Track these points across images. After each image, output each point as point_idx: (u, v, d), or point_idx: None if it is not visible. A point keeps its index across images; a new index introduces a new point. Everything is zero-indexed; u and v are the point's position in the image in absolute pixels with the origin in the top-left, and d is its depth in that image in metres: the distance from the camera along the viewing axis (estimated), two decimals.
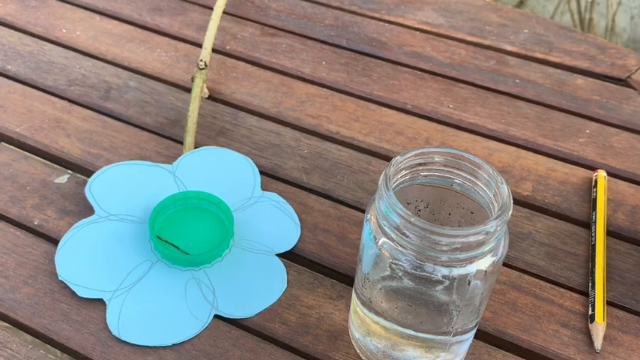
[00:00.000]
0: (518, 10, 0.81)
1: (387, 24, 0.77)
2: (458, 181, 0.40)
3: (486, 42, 0.75)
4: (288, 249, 0.52)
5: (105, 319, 0.47)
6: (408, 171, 0.40)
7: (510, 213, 0.37)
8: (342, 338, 0.47)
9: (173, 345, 0.46)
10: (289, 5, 0.80)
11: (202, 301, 0.48)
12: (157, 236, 0.50)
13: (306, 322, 0.48)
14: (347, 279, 0.51)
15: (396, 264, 0.38)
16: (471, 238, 0.36)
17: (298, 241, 0.53)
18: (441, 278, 0.37)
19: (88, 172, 0.57)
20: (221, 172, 0.57)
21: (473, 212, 0.41)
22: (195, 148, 0.59)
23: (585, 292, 0.50)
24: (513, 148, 0.62)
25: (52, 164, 0.59)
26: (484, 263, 0.37)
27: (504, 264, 0.52)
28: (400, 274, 0.38)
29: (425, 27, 0.77)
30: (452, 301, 0.39)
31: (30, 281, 0.49)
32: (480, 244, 0.36)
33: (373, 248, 0.39)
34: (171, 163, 0.57)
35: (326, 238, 0.53)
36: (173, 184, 0.55)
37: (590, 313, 0.48)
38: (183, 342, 0.46)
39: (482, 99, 0.67)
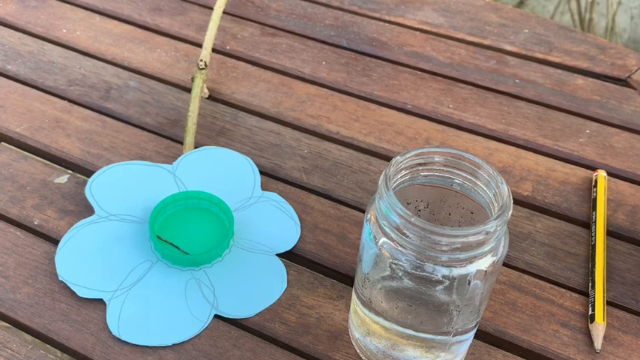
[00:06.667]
0: (518, 10, 0.81)
1: (387, 24, 0.77)
2: (458, 181, 0.40)
3: (486, 42, 0.75)
4: (288, 249, 0.52)
5: (105, 319, 0.47)
6: (408, 171, 0.40)
7: (510, 213, 0.37)
8: (342, 338, 0.47)
9: (173, 345, 0.46)
10: (289, 5, 0.80)
11: (202, 301, 0.48)
12: (157, 236, 0.50)
13: (306, 322, 0.48)
14: (347, 279, 0.51)
15: (396, 264, 0.38)
16: (471, 238, 0.36)
17: (298, 241, 0.53)
18: (441, 278, 0.37)
19: (88, 172, 0.57)
20: (221, 172, 0.57)
21: (473, 212, 0.41)
22: (195, 148, 0.59)
23: (585, 292, 0.50)
24: (513, 148, 0.62)
25: (52, 164, 0.59)
26: (484, 263, 0.37)
27: (504, 264, 0.52)
28: (400, 274, 0.38)
29: (425, 27, 0.77)
30: (452, 301, 0.39)
31: (30, 281, 0.49)
32: (480, 244, 0.36)
33: (373, 248, 0.39)
34: (171, 163, 0.57)
35: (326, 238, 0.53)
36: (173, 184, 0.55)
37: (590, 313, 0.48)
38: (184, 342, 0.46)
39: (482, 99, 0.67)
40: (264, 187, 0.57)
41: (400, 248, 0.37)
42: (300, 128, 0.63)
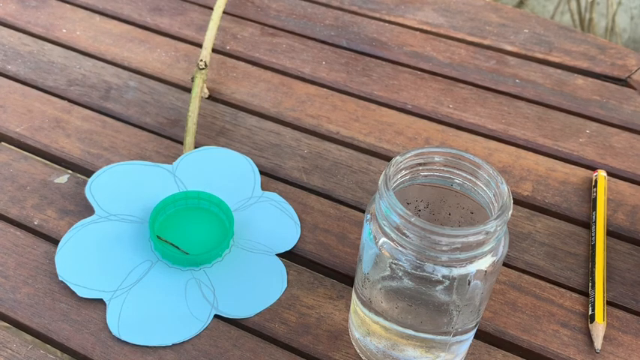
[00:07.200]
0: (518, 10, 0.81)
1: (387, 24, 0.77)
2: (458, 181, 0.40)
3: (486, 42, 0.75)
4: (288, 249, 0.52)
5: (105, 319, 0.47)
6: (408, 171, 0.40)
7: (510, 213, 0.37)
8: (342, 338, 0.47)
9: (173, 345, 0.46)
10: (289, 5, 0.80)
11: (202, 301, 0.48)
12: (157, 236, 0.50)
13: (306, 322, 0.48)
14: (347, 279, 0.51)
15: (396, 264, 0.38)
16: (471, 238, 0.36)
17: (298, 241, 0.53)
18: (441, 278, 0.37)
19: (88, 172, 0.57)
20: (221, 172, 0.57)
21: (473, 212, 0.41)
22: (195, 148, 0.59)
23: (585, 292, 0.50)
24: (513, 148, 0.62)
25: (52, 164, 0.59)
26: (484, 263, 0.37)
27: (504, 264, 0.52)
28: (400, 274, 0.38)
29: (425, 27, 0.77)
30: (452, 301, 0.39)
31: (30, 281, 0.49)
32: (480, 244, 0.36)
33: (373, 248, 0.39)
34: (171, 163, 0.57)
35: (326, 238, 0.53)
36: (173, 184, 0.55)
37: (590, 313, 0.48)
38: (184, 342, 0.46)
39: (482, 99, 0.67)
40: (264, 187, 0.57)
41: (400, 248, 0.37)
42: (300, 128, 0.63)
